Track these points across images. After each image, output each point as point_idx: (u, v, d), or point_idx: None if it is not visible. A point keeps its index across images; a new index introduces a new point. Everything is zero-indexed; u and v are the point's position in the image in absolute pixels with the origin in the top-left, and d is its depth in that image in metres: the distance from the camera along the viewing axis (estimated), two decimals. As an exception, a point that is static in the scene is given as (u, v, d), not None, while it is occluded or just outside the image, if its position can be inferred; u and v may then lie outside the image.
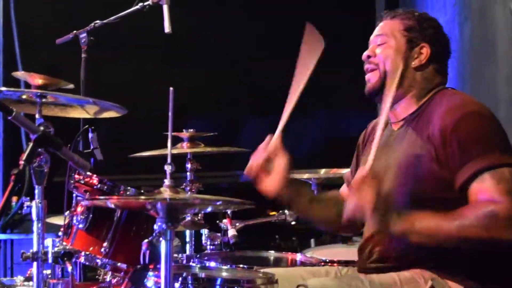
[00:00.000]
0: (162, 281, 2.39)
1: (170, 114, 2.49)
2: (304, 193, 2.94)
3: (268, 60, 10.70)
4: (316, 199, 3.02)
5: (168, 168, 2.48)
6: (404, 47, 2.77)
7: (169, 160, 2.48)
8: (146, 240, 2.48)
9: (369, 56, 2.81)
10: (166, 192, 2.45)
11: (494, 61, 4.38)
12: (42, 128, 2.34)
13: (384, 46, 2.78)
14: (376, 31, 2.84)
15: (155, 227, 2.44)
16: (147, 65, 9.83)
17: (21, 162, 2.29)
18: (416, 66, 2.77)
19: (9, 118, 2.30)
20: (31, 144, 2.31)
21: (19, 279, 3.39)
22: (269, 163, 2.81)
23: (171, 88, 2.48)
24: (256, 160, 2.81)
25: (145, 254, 2.51)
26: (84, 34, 3.90)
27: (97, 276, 3.74)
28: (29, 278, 3.36)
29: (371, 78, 2.80)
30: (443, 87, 2.81)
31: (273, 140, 2.83)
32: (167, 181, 2.47)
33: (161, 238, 2.43)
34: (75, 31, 3.93)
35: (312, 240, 5.70)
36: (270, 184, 2.80)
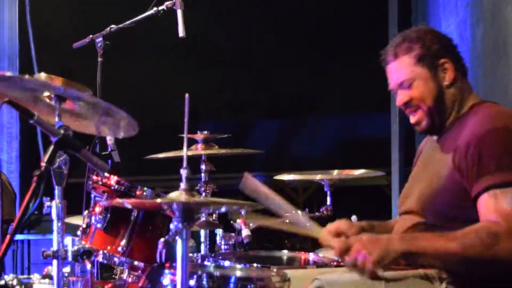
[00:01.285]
0: (178, 278, 2.50)
1: (186, 119, 2.59)
2: None
3: (279, 63, 10.84)
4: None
5: (184, 172, 2.60)
6: (430, 76, 2.83)
7: (184, 164, 2.59)
8: (162, 239, 2.60)
9: (406, 103, 2.87)
10: (182, 195, 2.56)
11: (506, 62, 4.45)
12: (62, 131, 2.46)
13: (414, 87, 2.84)
14: (394, 77, 2.88)
15: (171, 226, 2.55)
16: (160, 68, 9.98)
17: (43, 164, 2.42)
18: (449, 83, 2.84)
19: (31, 121, 2.42)
20: (52, 147, 2.44)
21: (35, 277, 3.51)
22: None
23: (186, 95, 2.59)
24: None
25: (161, 252, 2.64)
26: (100, 39, 4.02)
27: (113, 276, 3.87)
28: (46, 276, 3.48)
29: (421, 120, 2.87)
30: (481, 100, 2.88)
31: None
32: (183, 185, 2.59)
33: (177, 237, 2.54)
34: (91, 36, 4.04)
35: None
36: None
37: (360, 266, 2.56)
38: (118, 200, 2.74)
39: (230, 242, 3.93)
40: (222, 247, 3.91)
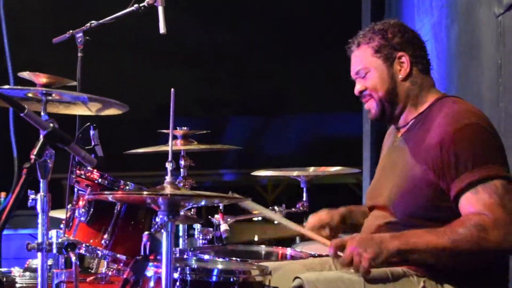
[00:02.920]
0: (164, 270, 2.58)
1: (171, 115, 2.68)
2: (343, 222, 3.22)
3: (251, 61, 10.92)
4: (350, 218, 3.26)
5: (169, 166, 2.68)
6: (384, 68, 2.93)
7: (170, 158, 2.68)
8: (147, 232, 2.69)
9: (360, 92, 2.98)
10: (167, 188, 2.64)
11: (478, 63, 4.56)
12: (51, 124, 2.53)
13: (368, 77, 2.94)
14: (353, 66, 2.99)
15: (157, 219, 2.63)
16: (133, 65, 10.02)
17: (32, 157, 2.48)
18: (404, 77, 2.93)
19: (21, 115, 2.48)
20: (41, 140, 2.50)
21: (16, 270, 3.56)
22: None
23: (172, 90, 2.67)
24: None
25: (145, 245, 2.72)
26: (80, 34, 4.05)
27: (89, 269, 3.93)
28: (27, 269, 3.54)
29: (371, 109, 2.98)
30: (443, 95, 2.97)
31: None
32: (168, 178, 2.67)
33: (162, 230, 2.62)
34: (71, 31, 4.07)
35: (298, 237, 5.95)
36: None
37: (355, 264, 2.64)
38: (105, 193, 2.81)
39: (208, 237, 4.01)
40: (200, 241, 4.00)
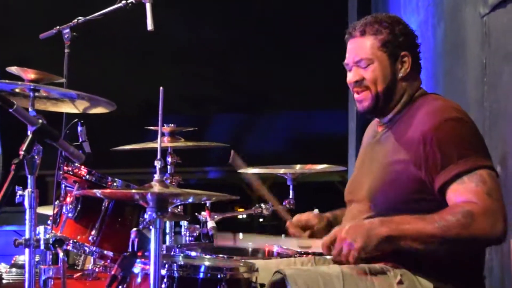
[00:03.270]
0: (152, 267, 2.60)
1: (160, 112, 2.70)
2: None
3: (237, 59, 10.94)
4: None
5: (158, 163, 2.70)
6: (388, 63, 2.93)
7: (159, 156, 2.70)
8: (135, 229, 2.71)
9: (357, 81, 2.95)
10: (156, 186, 2.66)
11: (464, 62, 4.61)
12: (40, 120, 2.54)
13: (370, 69, 2.92)
14: (353, 53, 2.95)
15: (146, 216, 2.64)
16: (125, 62, 10.03)
17: (21, 153, 2.49)
18: (403, 76, 2.95)
19: (10, 110, 2.49)
20: (30, 136, 2.51)
21: (2, 266, 3.56)
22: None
23: (161, 88, 2.69)
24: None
25: (133, 241, 2.74)
26: (67, 30, 4.05)
27: (75, 266, 3.94)
28: (13, 265, 3.54)
29: (364, 100, 2.95)
30: (424, 92, 3.01)
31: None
32: (156, 176, 2.69)
33: (151, 227, 2.64)
34: (58, 27, 4.07)
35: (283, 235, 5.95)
36: None
37: (345, 254, 2.66)
38: (95, 190, 2.82)
39: (195, 234, 4.03)
40: (187, 238, 4.01)
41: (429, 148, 2.75)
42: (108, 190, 3.05)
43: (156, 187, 2.64)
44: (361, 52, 2.94)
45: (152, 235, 2.63)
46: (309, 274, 2.73)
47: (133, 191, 2.65)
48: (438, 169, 2.73)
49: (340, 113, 8.08)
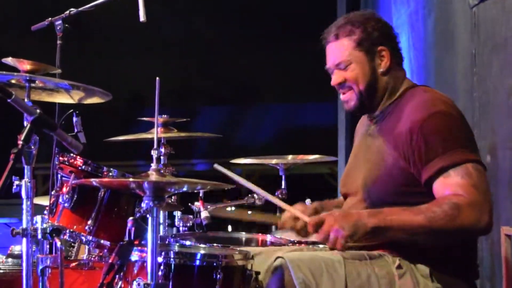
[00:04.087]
0: (149, 255, 2.66)
1: (156, 103, 2.75)
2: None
3: (223, 50, 10.96)
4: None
5: (154, 153, 2.76)
6: (366, 61, 2.99)
7: (155, 145, 2.76)
8: (131, 218, 2.77)
9: (340, 83, 3.02)
10: (152, 175, 2.72)
11: (453, 53, 4.67)
12: (38, 110, 2.59)
13: (350, 69, 2.99)
14: (331, 58, 3.03)
15: (143, 205, 2.70)
16: (104, 53, 10.02)
17: (20, 142, 2.54)
18: (384, 70, 3.02)
19: (9, 100, 2.54)
20: (28, 125, 2.56)
21: (-1, 257, 3.61)
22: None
23: (157, 78, 2.74)
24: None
25: (130, 230, 2.80)
26: (60, 22, 4.08)
27: (68, 258, 3.98)
28: (9, 255, 3.59)
29: (350, 100, 3.03)
30: (413, 84, 3.06)
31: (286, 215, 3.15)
32: (153, 165, 2.75)
33: (148, 215, 2.70)
34: (50, 18, 4.10)
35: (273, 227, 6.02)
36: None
37: (331, 240, 2.72)
38: (92, 180, 2.87)
39: (188, 224, 4.09)
40: (180, 228, 4.07)
41: (415, 141, 2.81)
42: (106, 179, 3.11)
43: (153, 176, 2.70)
44: (339, 55, 3.01)
45: (149, 224, 2.69)
46: (311, 259, 2.80)
47: (131, 179, 2.71)
48: (424, 163, 2.79)
49: (330, 104, 8.13)
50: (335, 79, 3.03)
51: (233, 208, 4.30)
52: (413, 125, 2.83)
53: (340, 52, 3.01)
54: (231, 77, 11.04)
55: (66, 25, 4.08)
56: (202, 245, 3.23)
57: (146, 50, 10.23)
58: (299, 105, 11.66)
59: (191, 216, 4.11)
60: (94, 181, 2.85)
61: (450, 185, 2.74)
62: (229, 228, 7.34)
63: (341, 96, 3.07)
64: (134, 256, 2.89)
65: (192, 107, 11.95)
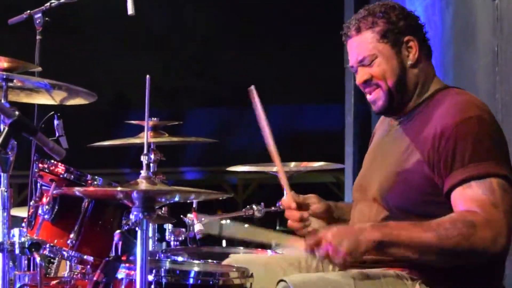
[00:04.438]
0: (138, 271, 2.66)
1: (146, 103, 2.76)
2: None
3: (219, 47, 10.95)
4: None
5: (144, 159, 2.78)
6: (393, 54, 2.96)
7: (145, 151, 2.78)
8: (118, 231, 2.78)
9: (366, 81, 2.99)
10: (142, 183, 2.73)
11: (474, 49, 4.69)
12: (17, 112, 2.60)
13: (375, 64, 2.96)
14: (354, 54, 3.00)
15: (131, 216, 2.71)
16: (91, 52, 10.05)
17: (-3, 147, 2.55)
18: (413, 62, 2.97)
19: (-16, 102, 2.56)
20: (6, 129, 2.57)
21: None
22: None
23: (148, 76, 2.75)
24: (293, 220, 3.10)
25: (117, 245, 2.81)
26: (39, 15, 4.09)
27: (46, 275, 3.99)
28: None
29: (377, 99, 2.99)
30: (444, 85, 3.03)
31: (288, 197, 3.12)
32: (143, 172, 2.76)
33: (137, 228, 2.71)
34: (29, 11, 4.11)
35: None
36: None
37: (331, 258, 2.70)
38: (76, 189, 2.88)
39: (180, 238, 4.10)
40: (172, 243, 4.08)
41: (443, 147, 2.79)
42: (91, 188, 3.11)
43: (143, 185, 2.71)
44: (362, 50, 2.98)
45: (138, 238, 2.70)
46: (317, 282, 2.78)
47: (118, 189, 2.71)
48: (448, 172, 2.78)
49: (336, 106, 8.15)
50: (360, 77, 3.00)
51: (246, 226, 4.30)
52: (442, 130, 2.81)
53: (363, 46, 2.98)
54: (225, 76, 11.04)
55: (47, 19, 4.09)
56: (196, 261, 3.25)
57: (131, 46, 10.25)
58: (301, 107, 11.68)
59: (183, 229, 4.11)
60: (77, 190, 2.86)
61: (468, 199, 2.72)
62: (223, 243, 7.36)
63: (368, 97, 3.03)
64: (121, 273, 2.91)
65: (182, 109, 11.97)
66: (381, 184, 2.96)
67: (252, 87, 3.08)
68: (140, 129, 4.24)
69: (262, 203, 4.26)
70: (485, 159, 2.75)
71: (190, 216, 4.05)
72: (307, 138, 11.18)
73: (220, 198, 3.50)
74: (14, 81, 3.24)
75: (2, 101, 3.17)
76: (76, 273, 3.55)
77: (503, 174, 2.75)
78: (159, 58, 10.33)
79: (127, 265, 2.92)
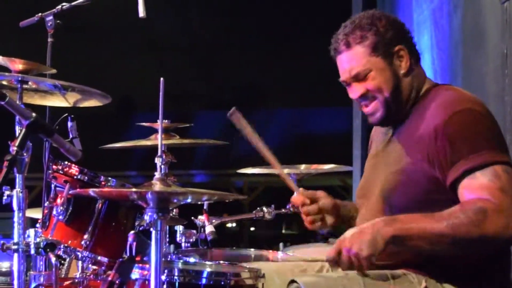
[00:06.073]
0: (152, 272, 2.71)
1: (160, 104, 2.81)
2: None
3: (225, 50, 10.97)
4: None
5: (158, 161, 2.83)
6: (385, 65, 3.00)
7: (159, 152, 2.82)
8: (132, 232, 2.83)
9: (362, 95, 3.02)
10: (156, 185, 2.78)
11: (483, 53, 4.71)
12: (34, 114, 2.65)
13: (370, 78, 2.99)
14: (346, 69, 3.01)
15: (146, 217, 2.76)
16: (96, 54, 10.09)
17: (14, 148, 2.60)
18: (405, 71, 3.03)
19: (2, 103, 2.60)
20: (23, 130, 2.62)
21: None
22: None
23: (161, 79, 2.80)
24: (313, 213, 3.19)
25: (131, 245, 2.86)
26: (51, 17, 4.13)
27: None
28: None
29: (375, 111, 3.03)
30: (434, 83, 3.10)
31: (298, 195, 3.21)
32: (157, 174, 2.81)
33: (151, 229, 2.76)
34: (40, 14, 4.15)
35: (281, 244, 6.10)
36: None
37: (356, 265, 2.73)
38: (90, 190, 2.91)
39: (191, 240, 4.14)
40: (183, 244, 4.12)
41: (440, 141, 2.83)
42: (106, 189, 3.16)
43: (157, 186, 2.75)
44: (355, 66, 3.01)
45: (152, 238, 2.75)
46: (328, 282, 2.82)
47: (133, 189, 2.75)
48: (449, 165, 2.81)
49: (343, 109, 8.18)
50: (356, 91, 3.03)
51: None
52: (437, 125, 2.85)
53: (356, 61, 3.01)
54: (232, 79, 11.07)
55: (58, 21, 4.13)
56: (208, 262, 3.28)
57: (139, 50, 10.30)
58: (308, 110, 11.70)
59: (194, 231, 4.15)
60: (93, 191, 2.90)
61: (475, 188, 2.75)
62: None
63: (365, 110, 3.07)
64: (135, 273, 2.95)
65: (189, 112, 12.00)
66: (383, 187, 3.02)
67: (234, 109, 3.12)
68: (148, 131, 4.28)
69: (273, 205, 4.30)
70: (485, 148, 2.79)
71: (201, 217, 4.09)
72: (313, 141, 11.20)
73: (227, 201, 3.53)
74: (29, 83, 3.29)
75: (18, 103, 3.22)
76: (88, 273, 3.59)
77: (504, 160, 2.79)
78: (165, 61, 10.37)
79: (141, 265, 2.95)
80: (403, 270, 2.92)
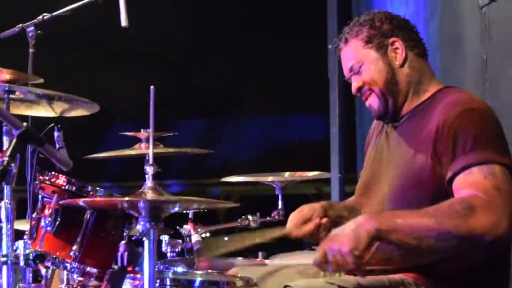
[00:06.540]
0: (146, 282, 2.70)
1: (151, 112, 2.81)
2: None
3: (200, 57, 10.94)
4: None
5: (150, 169, 2.81)
6: (378, 57, 3.06)
7: (151, 161, 2.81)
8: (124, 242, 2.82)
9: (359, 88, 3.09)
10: (148, 194, 2.77)
11: (461, 58, 4.75)
12: (25, 124, 2.63)
13: (363, 71, 3.06)
14: (345, 64, 3.12)
15: (138, 227, 2.75)
16: (71, 63, 10.02)
17: (5, 159, 2.57)
18: (401, 63, 3.06)
19: (-7, 113, 2.58)
20: (14, 140, 2.59)
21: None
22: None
23: (152, 87, 2.80)
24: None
25: (123, 255, 2.85)
26: (32, 28, 4.12)
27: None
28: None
29: (373, 104, 3.09)
30: (447, 86, 3.11)
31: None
32: (149, 183, 2.80)
33: (144, 238, 2.75)
34: (21, 24, 4.14)
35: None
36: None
37: (341, 263, 2.64)
38: (80, 200, 2.90)
39: (177, 249, 4.11)
40: (168, 254, 4.10)
41: (444, 137, 2.83)
42: (97, 199, 3.14)
43: (149, 194, 2.75)
44: (350, 59, 3.10)
45: (145, 248, 2.74)
46: (320, 287, 2.81)
47: (126, 198, 2.74)
48: (450, 160, 2.81)
49: (320, 117, 8.19)
50: (354, 86, 3.10)
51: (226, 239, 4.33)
52: (444, 122, 2.85)
53: (351, 55, 3.10)
54: (208, 87, 11.04)
55: (39, 32, 4.12)
56: (198, 272, 3.27)
57: (114, 58, 10.25)
58: (285, 118, 11.71)
59: (180, 241, 4.13)
60: (83, 201, 2.89)
61: (469, 184, 2.72)
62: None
63: (366, 103, 3.12)
64: (127, 284, 2.93)
65: (166, 121, 11.94)
66: (387, 191, 3.01)
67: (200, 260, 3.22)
68: (129, 140, 4.26)
69: (258, 213, 4.28)
70: (487, 147, 2.78)
71: (187, 227, 4.07)
72: (291, 149, 11.20)
73: (200, 211, 3.55)
74: (16, 93, 3.27)
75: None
76: (74, 285, 3.57)
77: (505, 162, 2.77)
78: (140, 70, 10.32)
79: (132, 275, 2.94)
80: (401, 276, 2.91)
